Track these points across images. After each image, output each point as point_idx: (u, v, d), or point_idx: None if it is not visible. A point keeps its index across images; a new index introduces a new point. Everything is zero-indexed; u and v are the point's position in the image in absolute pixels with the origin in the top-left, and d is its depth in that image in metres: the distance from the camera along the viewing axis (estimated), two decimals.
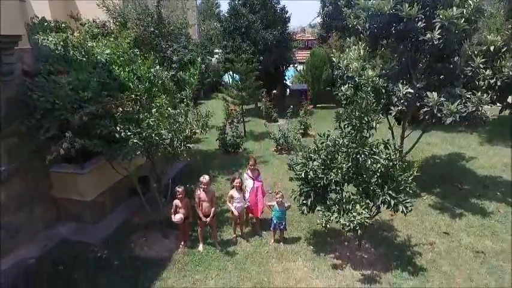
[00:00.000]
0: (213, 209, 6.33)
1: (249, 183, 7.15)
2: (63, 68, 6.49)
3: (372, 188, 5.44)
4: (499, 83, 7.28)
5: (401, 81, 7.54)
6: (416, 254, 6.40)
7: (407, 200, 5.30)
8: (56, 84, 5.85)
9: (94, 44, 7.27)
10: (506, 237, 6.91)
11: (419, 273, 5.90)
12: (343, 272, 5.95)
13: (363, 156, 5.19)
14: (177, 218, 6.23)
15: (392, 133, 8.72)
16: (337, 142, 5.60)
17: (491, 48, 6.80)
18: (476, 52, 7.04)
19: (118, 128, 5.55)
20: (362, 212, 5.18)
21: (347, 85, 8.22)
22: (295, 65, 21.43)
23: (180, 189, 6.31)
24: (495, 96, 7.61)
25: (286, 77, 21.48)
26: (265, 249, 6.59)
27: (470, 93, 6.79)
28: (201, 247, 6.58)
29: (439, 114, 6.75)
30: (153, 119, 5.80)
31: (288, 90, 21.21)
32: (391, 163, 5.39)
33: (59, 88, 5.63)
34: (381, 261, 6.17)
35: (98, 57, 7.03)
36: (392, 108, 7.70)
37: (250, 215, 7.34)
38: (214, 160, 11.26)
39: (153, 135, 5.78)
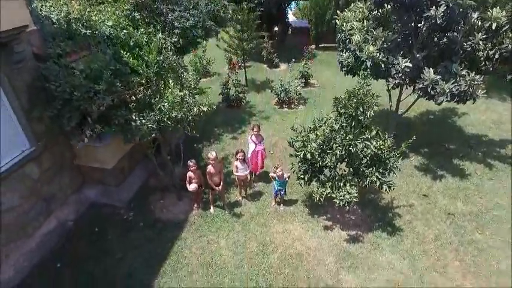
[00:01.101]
0: (221, 180, 7.24)
1: (251, 147, 7.95)
2: (70, 48, 6.66)
3: (361, 169, 6.20)
4: (497, 56, 7.48)
5: (401, 52, 7.69)
6: (396, 216, 7.49)
7: (391, 181, 6.12)
8: (69, 69, 6.14)
9: (95, 17, 7.20)
10: (477, 199, 7.95)
11: (396, 233, 7.05)
12: (333, 232, 7.10)
13: (356, 147, 5.81)
14: (191, 187, 7.13)
15: (390, 96, 9.09)
16: (333, 128, 6.15)
17: (494, 25, 6.81)
18: (477, 27, 7.08)
19: (133, 116, 6.04)
20: (351, 192, 6.04)
21: (348, 52, 8.35)
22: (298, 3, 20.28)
23: (191, 162, 7.09)
24: (491, 68, 7.85)
25: (288, 11, 20.51)
26: (267, 211, 7.66)
27: (465, 71, 7.05)
28: (212, 209, 7.65)
29: (432, 92, 7.13)
30: (164, 104, 6.23)
31: (290, 28, 20.46)
32: (381, 148, 6.05)
33: (73, 76, 5.95)
34: (365, 223, 7.29)
35: (102, 29, 7.09)
36: (390, 80, 7.99)
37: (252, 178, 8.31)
38: (217, 116, 11.80)
39: (165, 119, 6.30)
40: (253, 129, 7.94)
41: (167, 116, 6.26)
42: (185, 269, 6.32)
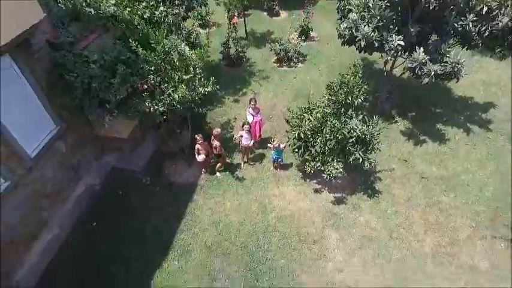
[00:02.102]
0: (223, 150, 8.34)
1: (250, 118, 8.79)
2: (80, 33, 7.05)
3: (347, 147, 7.15)
4: (487, 33, 7.84)
5: (395, 29, 7.99)
6: (377, 180, 8.68)
7: (372, 159, 7.13)
8: (83, 57, 6.67)
9: None
10: (450, 164, 9.06)
11: (374, 195, 8.32)
12: (321, 195, 8.36)
13: (342, 134, 6.67)
14: (199, 158, 8.18)
15: (385, 63, 9.50)
16: (325, 112, 6.92)
17: (484, 8, 7.06)
18: (469, 8, 7.31)
19: (146, 103, 6.77)
20: (337, 167, 7.09)
21: (346, 24, 8.60)
22: None
23: (198, 137, 8.02)
24: (481, 43, 8.24)
25: None
26: (266, 175, 8.83)
27: (453, 52, 7.51)
28: (218, 174, 8.81)
29: (419, 73, 7.69)
30: (174, 92, 6.90)
31: None
32: (364, 133, 6.91)
33: (89, 67, 6.52)
34: (349, 186, 8.50)
35: (105, 9, 7.34)
36: (382, 55, 8.43)
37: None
38: (218, 76, 12.18)
39: (175, 103, 7.03)
40: (250, 103, 8.64)
41: (176, 100, 6.97)
42: (198, 227, 7.72)
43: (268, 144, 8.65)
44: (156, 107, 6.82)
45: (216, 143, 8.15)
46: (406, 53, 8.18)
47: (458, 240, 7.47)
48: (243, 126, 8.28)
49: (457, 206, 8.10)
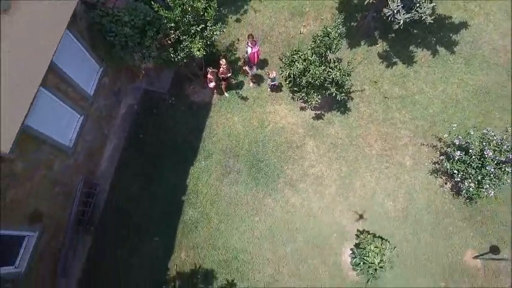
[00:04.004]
0: (229, 74, 10.58)
1: (249, 50, 10.67)
2: None
3: (325, 85, 9.48)
4: None
5: None
6: (349, 99, 11.24)
7: (343, 93, 9.56)
8: (115, 17, 8.28)
9: None
10: (410, 85, 11.42)
11: (345, 112, 11.08)
12: (305, 112, 11.11)
13: (321, 78, 8.89)
14: (211, 85, 10.56)
15: None
16: (309, 60, 8.97)
17: None
18: None
19: (171, 54, 8.76)
20: (317, 99, 9.61)
21: None
22: None
23: (210, 69, 10.21)
24: None
25: None
26: (264, 95, 11.35)
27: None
28: (226, 94, 11.32)
29: (391, 19, 9.23)
30: (190, 40, 8.76)
31: None
32: (339, 73, 9.11)
33: (123, 27, 8.24)
34: (327, 105, 11.14)
35: None
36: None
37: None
38: None
39: (193, 50, 8.97)
40: (248, 39, 10.30)
41: (193, 48, 8.90)
42: (215, 137, 10.83)
43: (265, 77, 10.81)
44: (178, 56, 8.82)
45: (222, 68, 10.24)
46: None
47: (398, 146, 10.69)
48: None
49: (404, 121, 10.98)
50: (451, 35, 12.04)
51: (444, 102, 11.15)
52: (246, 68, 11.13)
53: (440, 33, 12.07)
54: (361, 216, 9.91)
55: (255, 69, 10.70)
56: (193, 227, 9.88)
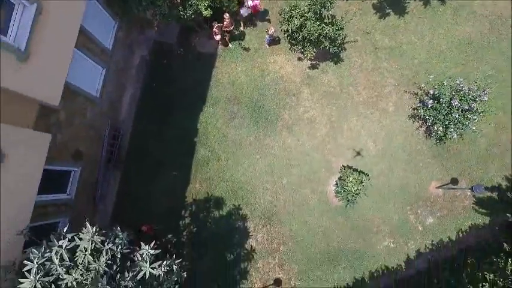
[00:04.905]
0: (232, 27, 11.49)
1: (249, 3, 11.43)
2: None
3: (320, 39, 10.49)
4: None
5: None
6: (342, 49, 12.19)
7: (336, 48, 10.61)
8: None
9: None
10: (399, 36, 12.33)
11: (338, 62, 12.19)
12: (302, 62, 12.22)
13: (316, 33, 9.89)
14: (217, 38, 11.53)
15: None
16: (306, 16, 9.87)
17: None
18: None
19: (181, 12, 9.66)
20: (312, 52, 10.70)
21: None
22: None
23: (215, 24, 11.08)
24: None
25: None
26: (264, 46, 12.32)
27: None
28: (230, 45, 12.30)
29: None
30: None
31: None
32: (332, 29, 10.09)
33: None
34: (322, 55, 12.19)
35: None
36: None
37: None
38: None
39: (201, 8, 9.84)
40: None
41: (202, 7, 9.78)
42: (221, 85, 12.13)
43: (266, 33, 11.65)
44: (187, 13, 9.73)
45: (226, 22, 11.14)
46: None
47: (383, 93, 12.06)
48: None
49: (391, 70, 12.17)
50: None
51: (429, 53, 12.20)
52: (240, 9, 11.69)
53: None
54: (358, 153, 11.68)
55: (246, 10, 11.44)
56: (205, 163, 11.76)
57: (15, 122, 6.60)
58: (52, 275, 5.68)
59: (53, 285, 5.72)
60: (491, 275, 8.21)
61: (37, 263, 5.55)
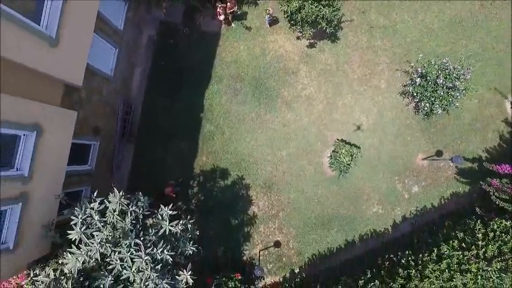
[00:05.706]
0: (235, 7, 12.11)
1: None
2: None
3: (317, 20, 11.17)
4: None
5: None
6: (339, 29, 12.86)
7: (331, 27, 11.30)
8: None
9: None
10: (393, 15, 12.94)
11: (335, 41, 12.89)
12: (301, 41, 12.92)
13: (314, 15, 10.57)
14: (221, 18, 12.20)
15: None
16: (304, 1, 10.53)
17: None
18: None
19: None
20: (310, 33, 11.41)
21: None
22: None
23: (219, 5, 11.70)
24: None
25: None
26: (266, 26, 12.97)
27: None
28: (233, 25, 12.94)
29: None
30: None
31: None
32: (329, 11, 10.75)
33: None
34: (320, 35, 12.86)
35: None
36: None
37: None
38: None
39: None
40: None
41: None
42: (225, 64, 12.91)
43: (265, 13, 12.24)
44: None
45: (230, 3, 11.78)
46: None
47: (376, 71, 12.86)
48: None
49: (385, 49, 12.89)
50: None
51: (421, 32, 12.88)
52: None
53: None
54: (358, 128, 12.66)
55: None
56: (210, 137, 12.78)
57: (47, 101, 7.54)
58: (91, 228, 6.89)
59: (90, 237, 6.93)
60: (461, 234, 9.45)
61: (81, 218, 6.72)
